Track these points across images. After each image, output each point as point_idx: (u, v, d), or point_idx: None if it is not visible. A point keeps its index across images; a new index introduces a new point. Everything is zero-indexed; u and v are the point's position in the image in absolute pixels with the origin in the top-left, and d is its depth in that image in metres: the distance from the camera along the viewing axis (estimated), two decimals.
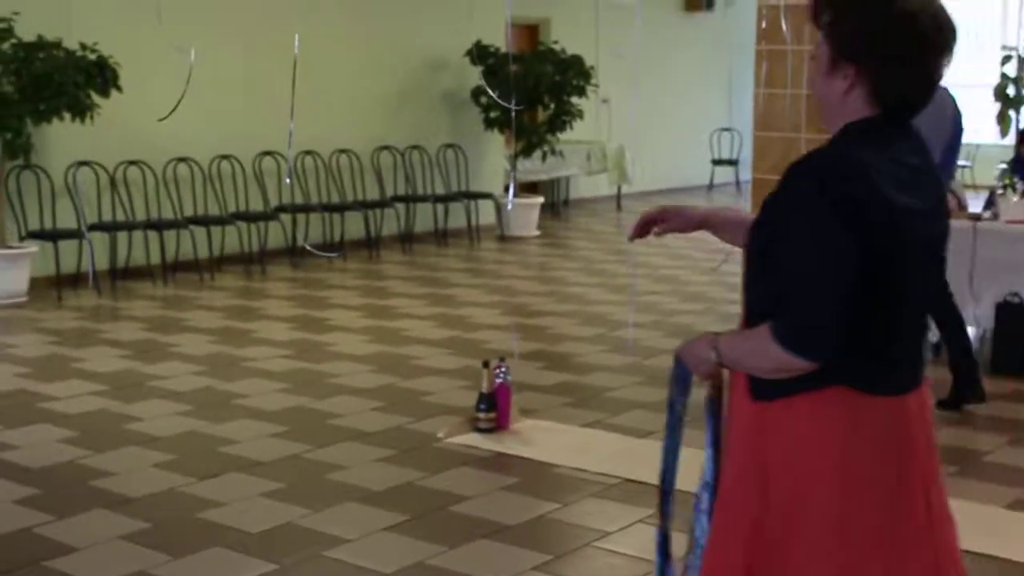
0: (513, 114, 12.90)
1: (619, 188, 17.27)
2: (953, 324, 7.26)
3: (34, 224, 10.31)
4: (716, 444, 2.87)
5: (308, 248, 11.24)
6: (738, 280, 8.06)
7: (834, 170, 2.53)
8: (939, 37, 2.59)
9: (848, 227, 2.48)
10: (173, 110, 5.88)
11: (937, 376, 7.87)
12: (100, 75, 9.93)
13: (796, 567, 2.63)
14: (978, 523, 5.31)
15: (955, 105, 7.35)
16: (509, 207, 13.83)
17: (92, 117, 9.94)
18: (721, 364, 2.76)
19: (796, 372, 2.55)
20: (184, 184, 11.33)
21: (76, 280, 10.37)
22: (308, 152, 12.37)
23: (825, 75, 2.63)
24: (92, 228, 10.51)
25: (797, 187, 2.55)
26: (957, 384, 7.12)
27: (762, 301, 2.63)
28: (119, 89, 10.03)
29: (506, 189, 14.62)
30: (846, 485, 2.59)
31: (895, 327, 2.63)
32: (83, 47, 9.91)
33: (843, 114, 2.62)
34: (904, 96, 2.60)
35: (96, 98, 9.94)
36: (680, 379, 2.92)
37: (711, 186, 19.08)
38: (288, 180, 11.56)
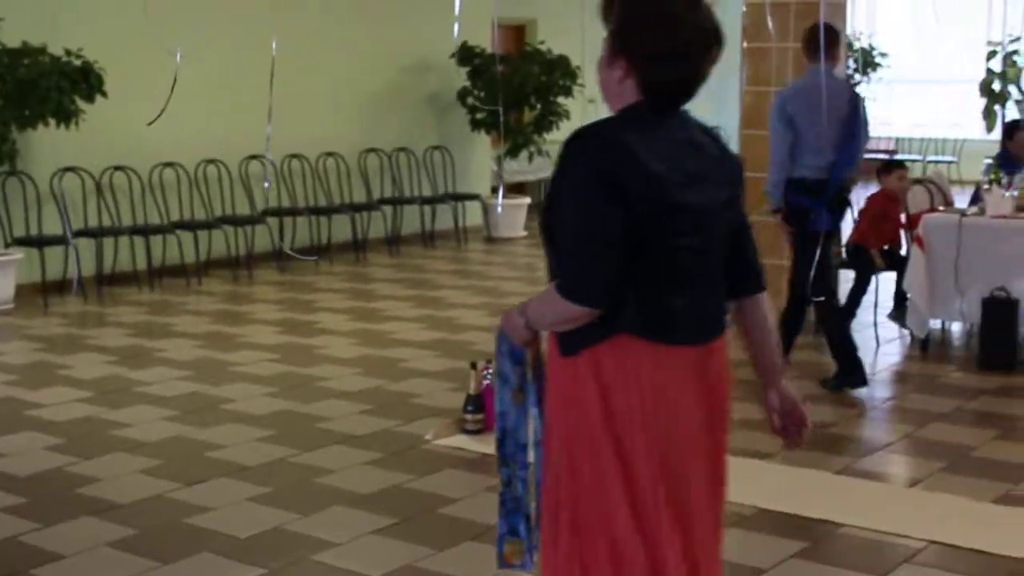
0: (501, 116, 12.89)
1: None
2: (827, 307, 7.44)
3: (20, 231, 10.28)
4: (540, 404, 3.16)
5: (288, 252, 11.23)
6: None
7: (595, 145, 2.93)
8: (701, 39, 2.97)
9: (608, 193, 2.88)
10: (160, 114, 5.85)
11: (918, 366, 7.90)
12: (85, 81, 9.89)
13: (608, 501, 2.99)
14: (966, 518, 5.33)
15: (855, 99, 7.40)
16: (499, 210, 13.84)
17: (77, 123, 9.91)
18: (530, 327, 3.11)
19: (580, 320, 2.94)
20: (170, 189, 11.31)
21: (62, 286, 10.34)
22: (294, 155, 12.35)
23: (605, 66, 3.04)
24: (78, 234, 10.48)
25: (566, 161, 2.96)
26: (840, 367, 7.36)
27: (556, 266, 3.02)
28: (104, 95, 10.01)
29: (494, 191, 14.64)
30: (630, 421, 2.97)
31: (670, 282, 2.99)
32: (68, 53, 9.88)
33: (620, 99, 3.03)
34: (667, 87, 2.99)
35: (81, 104, 9.91)
36: (510, 352, 3.20)
37: None
38: (267, 184, 11.54)
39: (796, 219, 7.27)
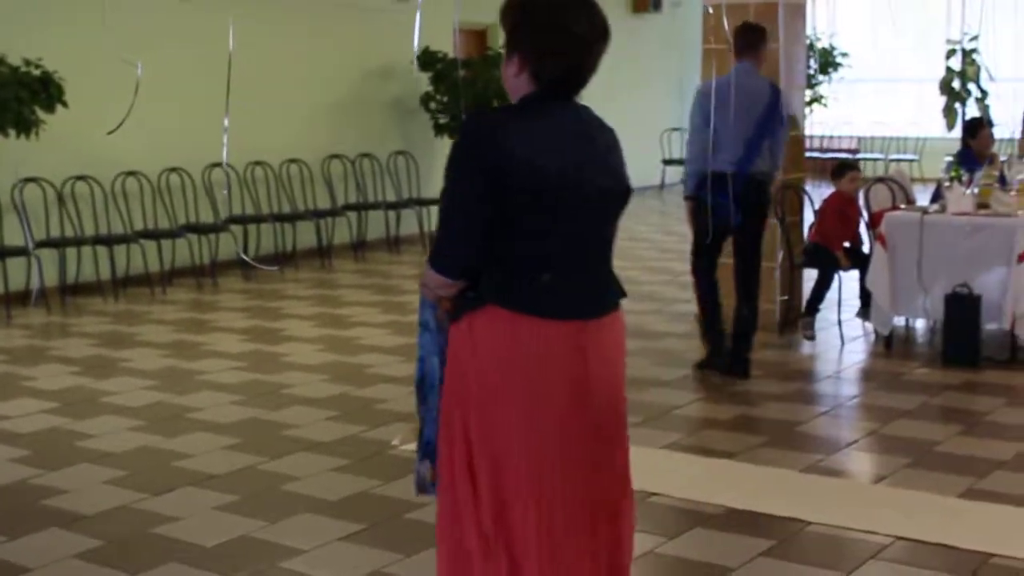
0: (464, 119, 12.87)
1: None
2: (741, 296, 7.75)
3: None
4: (442, 354, 3.40)
5: (249, 262, 11.20)
6: (689, 280, 8.09)
7: (476, 132, 3.21)
8: (586, 36, 3.26)
9: (479, 178, 3.16)
10: (121, 123, 5.81)
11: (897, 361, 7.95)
12: (44, 91, 9.84)
13: (486, 454, 3.28)
14: (931, 512, 5.37)
15: (774, 97, 7.55)
16: None
17: (37, 133, 9.86)
18: (434, 292, 3.37)
19: (447, 289, 3.29)
20: (133, 198, 11.25)
21: (25, 297, 10.28)
22: (258, 162, 12.32)
23: (505, 62, 3.33)
24: (40, 245, 10.42)
25: (454, 143, 3.26)
26: (733, 350, 7.73)
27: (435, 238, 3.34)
28: (64, 104, 9.96)
29: None
30: (501, 386, 3.23)
31: (542, 259, 3.22)
32: (27, 63, 9.82)
33: (516, 91, 3.31)
34: (556, 79, 3.27)
35: (41, 114, 9.86)
36: (430, 303, 3.44)
37: (662, 186, 19.14)
38: (226, 191, 11.50)
39: (705, 211, 7.46)
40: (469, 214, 3.21)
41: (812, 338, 8.67)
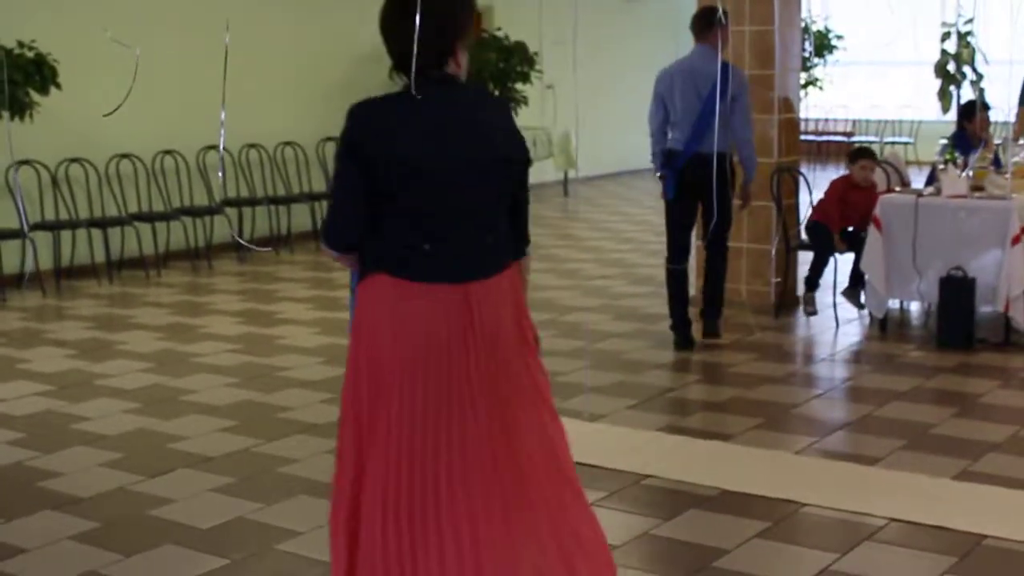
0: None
1: (565, 173, 17.29)
2: (668, 268, 8.13)
3: None
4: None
5: (243, 243, 11.18)
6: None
7: (354, 117, 3.49)
8: (438, 34, 3.51)
9: (355, 160, 3.44)
10: (118, 107, 5.81)
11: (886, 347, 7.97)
12: (38, 73, 9.82)
13: (367, 407, 3.54)
14: (925, 494, 5.38)
15: (724, 80, 7.59)
16: None
17: (32, 115, 9.84)
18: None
19: (341, 261, 3.63)
20: (127, 180, 11.24)
21: (20, 280, 10.27)
22: (252, 145, 12.30)
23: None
24: (35, 227, 10.41)
25: (341, 132, 3.50)
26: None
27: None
28: (58, 87, 9.94)
29: None
30: (386, 343, 3.47)
31: (422, 230, 3.46)
32: (21, 45, 9.80)
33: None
34: (413, 66, 3.45)
35: (35, 96, 9.84)
36: (353, 287, 3.72)
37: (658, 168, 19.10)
38: (221, 174, 11.49)
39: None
40: (349, 192, 3.49)
41: (813, 313, 8.70)
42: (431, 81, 3.50)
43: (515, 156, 3.62)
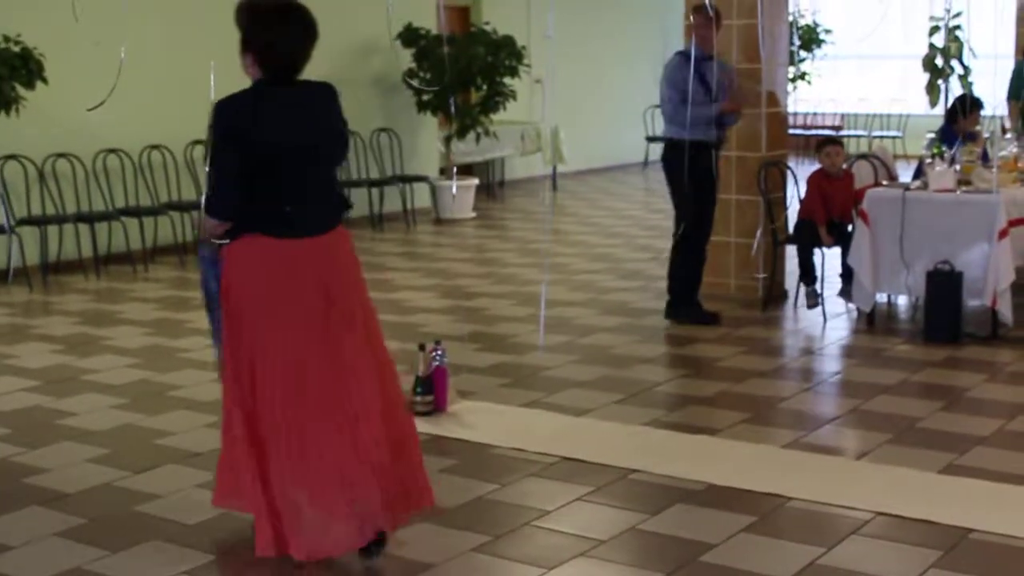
0: (451, 101, 12.85)
1: (554, 168, 17.29)
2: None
3: None
4: (217, 278, 4.58)
5: (218, 243, 11.17)
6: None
7: (225, 107, 4.38)
8: (295, 35, 4.49)
9: (230, 142, 4.35)
10: (101, 103, 5.79)
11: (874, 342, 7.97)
12: (24, 67, 9.79)
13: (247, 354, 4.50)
14: (912, 488, 5.39)
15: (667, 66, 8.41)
16: (453, 191, 13.84)
17: (18, 110, 9.81)
18: (210, 232, 4.54)
19: (221, 228, 4.46)
20: (114, 175, 11.21)
21: (6, 275, 10.24)
22: None
23: (242, 54, 4.48)
24: (21, 223, 10.38)
25: (212, 118, 4.38)
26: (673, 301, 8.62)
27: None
28: (45, 81, 9.91)
29: (442, 172, 14.62)
30: (262, 288, 4.43)
31: (283, 196, 4.40)
32: (6, 39, 9.77)
33: (252, 76, 4.48)
34: (276, 68, 4.45)
35: (21, 91, 9.81)
36: (208, 259, 4.72)
37: (646, 163, 19.14)
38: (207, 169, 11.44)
39: None
40: (226, 171, 4.40)
41: (815, 306, 8.70)
42: (288, 79, 4.50)
43: (342, 134, 4.65)
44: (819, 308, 8.70)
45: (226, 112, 4.39)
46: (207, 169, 4.48)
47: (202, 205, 4.45)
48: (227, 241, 4.49)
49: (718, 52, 8.44)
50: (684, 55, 8.25)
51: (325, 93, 4.62)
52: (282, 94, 4.44)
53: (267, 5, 4.47)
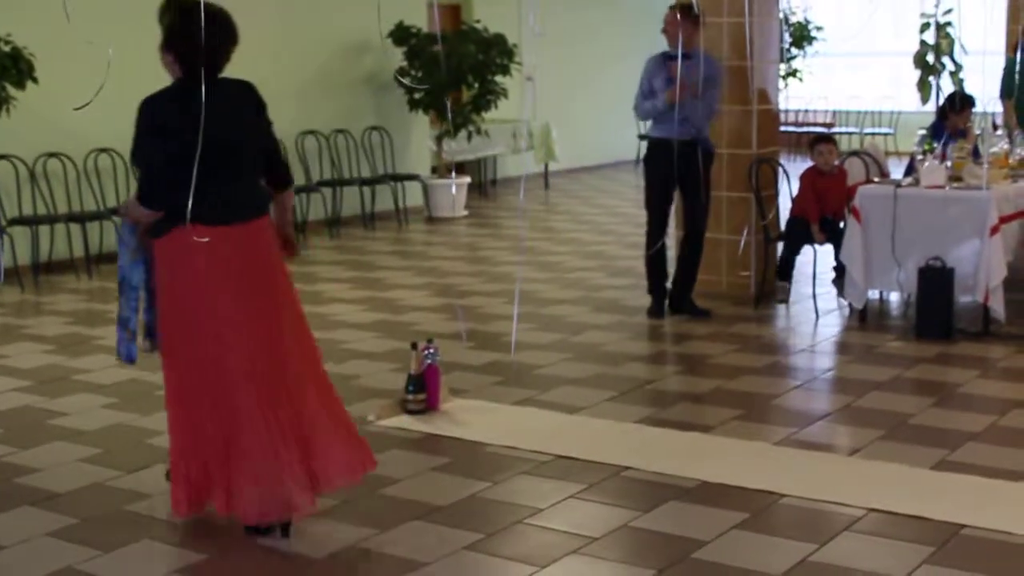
0: (447, 102, 12.84)
1: (546, 166, 17.29)
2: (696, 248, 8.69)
3: None
4: (147, 262, 4.93)
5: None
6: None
7: (151, 104, 4.72)
8: (211, 34, 4.67)
9: (158, 136, 4.67)
10: (88, 103, 5.79)
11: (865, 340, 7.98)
12: (15, 67, 9.77)
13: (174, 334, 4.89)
14: (904, 484, 5.40)
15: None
16: (452, 190, 13.85)
17: (8, 110, 9.79)
18: (136, 219, 4.87)
19: (152, 216, 4.75)
20: (106, 175, 11.19)
21: None
22: None
23: (162, 51, 4.82)
24: (12, 222, 10.36)
25: (137, 115, 4.72)
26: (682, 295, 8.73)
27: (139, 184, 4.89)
28: (35, 81, 9.89)
29: (433, 171, 14.61)
30: (200, 273, 4.74)
31: (211, 187, 4.65)
32: None
33: (173, 74, 4.81)
34: (196, 67, 4.66)
35: (12, 90, 9.79)
36: (130, 228, 4.93)
37: (638, 161, 19.12)
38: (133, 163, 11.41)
39: None
40: (159, 165, 4.69)
41: (784, 301, 8.75)
42: (210, 78, 4.70)
43: (263, 126, 4.97)
44: (787, 303, 8.77)
45: (152, 109, 4.69)
46: (132, 164, 4.97)
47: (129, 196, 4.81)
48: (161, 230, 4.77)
49: (706, 49, 8.46)
50: (663, 54, 8.39)
51: (245, 90, 4.95)
52: (205, 91, 4.63)
53: (191, 7, 4.67)
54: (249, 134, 4.89)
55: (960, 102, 9.87)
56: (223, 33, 4.82)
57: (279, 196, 5.14)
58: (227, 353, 4.76)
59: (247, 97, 4.94)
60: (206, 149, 4.58)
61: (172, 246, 4.74)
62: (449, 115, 13.77)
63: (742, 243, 8.93)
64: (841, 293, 8.74)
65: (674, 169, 8.19)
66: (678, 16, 8.20)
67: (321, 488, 4.88)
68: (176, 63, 4.77)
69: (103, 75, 6.06)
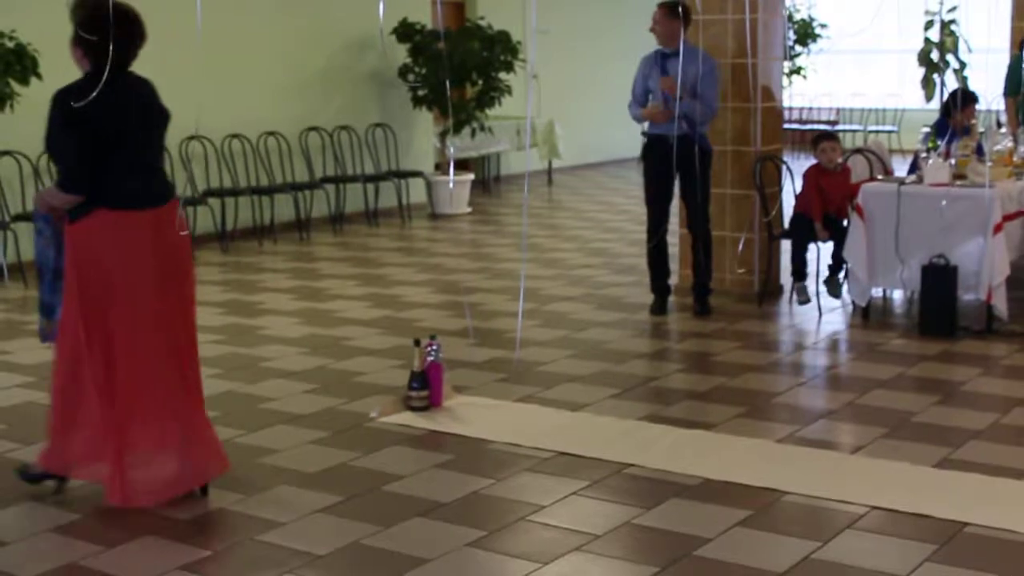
0: (449, 95, 12.84)
1: (550, 163, 17.29)
2: (698, 246, 8.74)
3: None
4: (58, 247, 5.17)
5: (187, 234, 11.19)
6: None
7: (61, 95, 4.93)
8: (122, 33, 4.96)
9: (74, 125, 4.90)
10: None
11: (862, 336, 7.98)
12: (19, 63, 9.77)
13: (72, 317, 5.11)
14: (907, 482, 5.39)
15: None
16: (450, 186, 13.85)
17: (12, 106, 9.79)
18: (52, 207, 5.11)
19: (72, 202, 4.99)
20: None
21: (1, 271, 10.23)
22: (235, 135, 12.27)
23: (72, 45, 5.07)
24: (16, 219, 10.36)
25: (52, 105, 4.94)
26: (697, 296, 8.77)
27: (57, 171, 5.11)
28: (39, 77, 9.88)
29: (437, 167, 14.62)
30: (114, 255, 5.02)
31: (127, 173, 5.02)
32: (0, 35, 9.74)
33: (83, 67, 5.06)
34: (104, 62, 4.86)
35: (16, 86, 9.79)
36: (44, 216, 5.17)
37: (640, 158, 19.10)
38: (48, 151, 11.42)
39: None
40: (78, 153, 4.93)
41: (806, 302, 8.71)
42: (121, 73, 5.03)
43: (165, 120, 5.25)
44: (809, 304, 8.71)
45: (66, 99, 4.90)
46: (47, 152, 5.15)
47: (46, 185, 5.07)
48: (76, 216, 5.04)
49: (712, 46, 8.45)
50: (657, 52, 8.47)
51: (147, 84, 5.26)
52: (114, 83, 4.92)
53: (101, 5, 4.91)
54: (158, 124, 5.22)
55: (963, 99, 9.85)
56: (132, 30, 5.11)
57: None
58: (128, 333, 5.07)
59: (152, 91, 5.25)
60: (120, 138, 4.97)
61: (86, 230, 5.00)
62: (449, 109, 13.76)
63: (741, 241, 8.94)
64: (831, 293, 8.74)
65: (671, 166, 8.17)
66: (665, 13, 8.30)
67: (199, 480, 5.26)
68: (85, 58, 5.04)
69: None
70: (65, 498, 5.33)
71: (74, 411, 5.19)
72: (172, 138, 11.41)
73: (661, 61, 8.39)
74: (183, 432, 5.19)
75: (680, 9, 8.24)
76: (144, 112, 5.14)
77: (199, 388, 5.38)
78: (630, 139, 19.02)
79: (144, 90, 5.22)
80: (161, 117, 5.26)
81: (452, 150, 14.62)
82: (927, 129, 9.06)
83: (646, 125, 8.81)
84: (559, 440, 5.99)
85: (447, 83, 13.36)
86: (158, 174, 5.23)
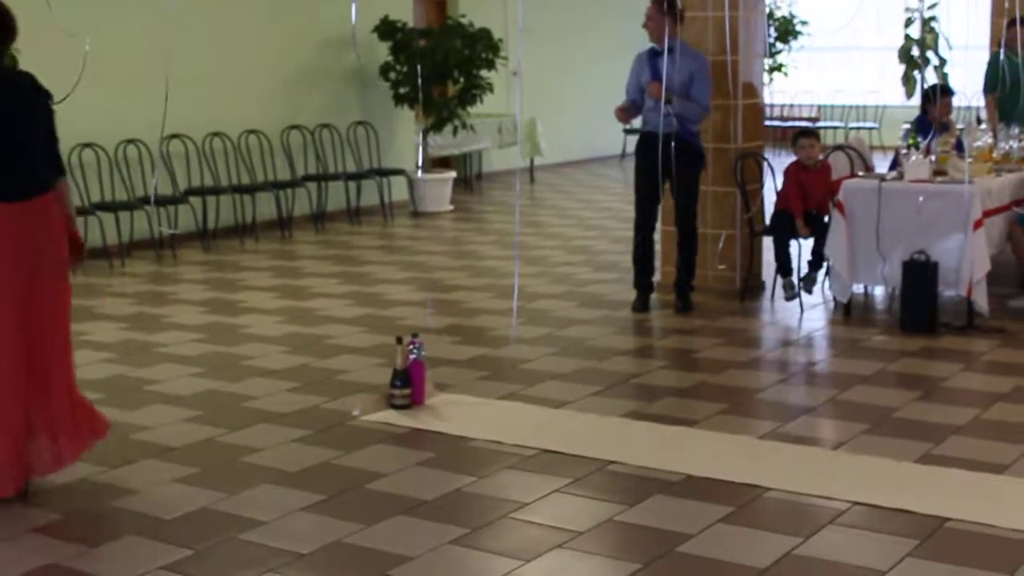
0: (420, 95, 12.83)
1: (532, 160, 17.30)
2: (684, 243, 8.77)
3: None
4: None
5: (166, 233, 11.22)
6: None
7: None
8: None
9: None
10: (68, 95, 5.79)
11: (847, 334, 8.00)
12: None
13: None
14: (888, 478, 5.41)
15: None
16: (419, 173, 13.87)
17: None
18: None
19: None
20: (90, 170, 11.16)
21: None
22: (216, 133, 12.24)
23: None
24: None
25: None
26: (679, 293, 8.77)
27: None
28: None
29: (419, 165, 14.60)
30: None
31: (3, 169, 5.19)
32: None
33: None
34: None
35: None
36: None
37: (623, 155, 19.15)
38: (156, 180, 11.43)
39: None
40: None
41: (794, 297, 8.72)
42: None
43: (47, 115, 5.33)
44: (796, 300, 8.73)
45: None
46: None
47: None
48: None
49: (694, 43, 8.47)
50: (650, 50, 8.50)
51: (27, 80, 5.36)
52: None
53: None
54: (34, 118, 5.30)
55: (939, 92, 9.88)
56: (7, 30, 5.33)
57: (57, 184, 5.43)
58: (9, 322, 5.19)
59: (27, 84, 5.34)
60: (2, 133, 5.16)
61: None
62: (420, 105, 13.75)
63: (722, 239, 8.96)
64: (808, 290, 8.76)
65: (657, 163, 8.17)
66: (657, 11, 8.30)
67: (63, 463, 5.43)
68: None
69: (88, 71, 6.06)
70: (46, 499, 5.31)
71: None
72: (153, 137, 11.54)
73: (652, 59, 8.39)
74: (29, 419, 5.30)
75: (669, 5, 8.25)
76: (18, 107, 5.25)
77: (65, 375, 5.47)
78: (611, 137, 19.09)
79: (20, 88, 5.32)
80: (37, 110, 5.32)
81: (421, 137, 14.61)
82: (908, 126, 9.09)
83: (638, 121, 8.84)
84: (541, 437, 5.99)
85: (419, 81, 13.35)
86: (32, 167, 5.28)
